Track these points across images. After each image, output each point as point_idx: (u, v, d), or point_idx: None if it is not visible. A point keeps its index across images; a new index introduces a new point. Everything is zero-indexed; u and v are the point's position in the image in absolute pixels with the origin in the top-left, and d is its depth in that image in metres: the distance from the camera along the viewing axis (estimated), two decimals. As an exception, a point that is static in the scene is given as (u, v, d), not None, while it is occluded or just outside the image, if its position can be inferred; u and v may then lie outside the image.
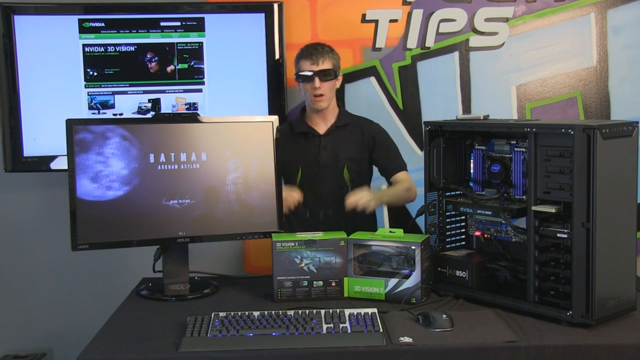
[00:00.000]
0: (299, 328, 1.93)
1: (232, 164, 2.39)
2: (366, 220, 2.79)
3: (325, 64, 2.72)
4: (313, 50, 2.74)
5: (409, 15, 3.32)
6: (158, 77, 3.19)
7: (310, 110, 2.84)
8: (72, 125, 2.26)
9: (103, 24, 3.15)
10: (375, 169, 2.94)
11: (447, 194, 2.37)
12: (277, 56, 3.22)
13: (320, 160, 2.80)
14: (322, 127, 2.84)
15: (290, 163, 2.78)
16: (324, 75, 2.72)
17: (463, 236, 2.44)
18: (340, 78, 2.83)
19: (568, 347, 1.86)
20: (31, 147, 3.13)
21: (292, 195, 2.62)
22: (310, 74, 2.71)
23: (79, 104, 3.15)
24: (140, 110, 3.18)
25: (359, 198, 2.57)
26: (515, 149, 2.18)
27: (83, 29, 3.14)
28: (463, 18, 3.32)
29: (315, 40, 2.99)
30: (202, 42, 3.20)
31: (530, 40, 3.34)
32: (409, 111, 3.37)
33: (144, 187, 2.30)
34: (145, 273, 2.58)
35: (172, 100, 3.20)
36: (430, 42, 3.33)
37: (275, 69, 3.23)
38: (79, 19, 3.13)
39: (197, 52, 3.20)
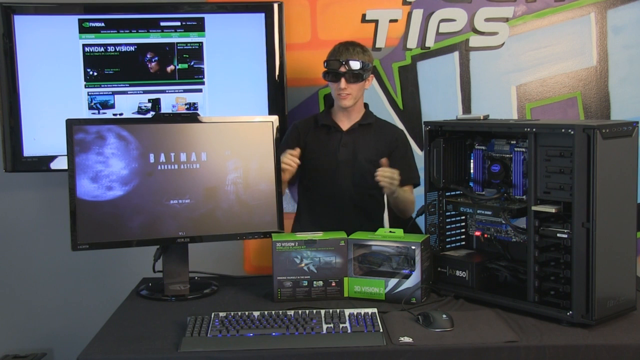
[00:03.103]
0: (299, 328, 1.93)
1: (232, 164, 2.39)
2: (374, 221, 2.84)
3: (354, 66, 2.70)
4: (343, 50, 2.74)
5: (409, 15, 3.32)
6: (158, 77, 3.19)
7: (336, 106, 2.84)
8: (72, 125, 2.26)
9: (103, 24, 3.15)
10: None
11: (447, 194, 2.37)
12: (277, 56, 3.22)
13: (338, 156, 2.81)
14: (345, 124, 2.84)
15: (309, 155, 2.81)
16: (350, 77, 2.70)
17: (463, 236, 2.44)
18: (370, 79, 2.81)
19: (568, 347, 1.86)
20: (31, 147, 3.13)
21: (289, 155, 2.61)
22: (337, 73, 2.71)
23: (79, 104, 3.15)
24: (140, 110, 3.18)
25: (391, 174, 2.56)
26: (515, 149, 2.18)
27: (83, 29, 3.14)
28: (463, 18, 3.32)
29: (316, 41, 2.99)
30: (202, 42, 3.20)
31: (530, 40, 3.34)
32: (409, 111, 3.37)
33: (144, 187, 2.30)
34: (145, 273, 2.58)
35: (172, 100, 3.20)
36: (430, 42, 3.33)
37: (275, 69, 3.22)
38: (79, 19, 3.13)
39: (197, 52, 3.20)
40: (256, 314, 2.03)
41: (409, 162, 2.87)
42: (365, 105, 2.88)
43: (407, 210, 2.84)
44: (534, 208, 2.06)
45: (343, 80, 2.70)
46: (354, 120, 2.84)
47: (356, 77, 2.71)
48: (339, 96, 2.74)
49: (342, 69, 2.71)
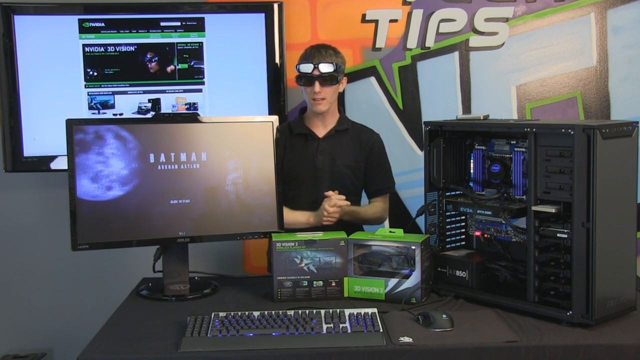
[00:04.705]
0: (299, 328, 1.93)
1: (232, 164, 2.39)
2: (354, 227, 2.76)
3: (327, 68, 2.65)
4: (315, 53, 2.69)
5: (409, 15, 3.32)
6: (158, 77, 3.19)
7: (310, 112, 2.79)
8: (72, 125, 2.26)
9: (103, 24, 3.15)
10: None
11: (447, 194, 2.37)
12: (277, 56, 3.22)
13: (317, 163, 2.77)
14: (321, 131, 2.80)
15: (286, 164, 2.76)
16: (324, 80, 2.66)
17: (463, 236, 2.44)
18: (343, 82, 2.77)
19: (568, 347, 1.86)
20: (31, 147, 3.14)
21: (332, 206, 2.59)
22: (310, 77, 2.66)
23: (79, 104, 3.16)
24: (140, 110, 3.18)
25: (335, 204, 2.56)
26: (515, 149, 2.18)
27: (83, 29, 3.14)
28: (463, 18, 3.32)
29: (316, 41, 2.98)
30: (202, 42, 3.20)
31: (530, 40, 3.34)
32: (409, 111, 3.38)
33: (144, 187, 2.30)
34: (145, 273, 2.58)
35: (172, 100, 3.21)
36: (430, 42, 3.33)
37: (275, 69, 3.23)
38: (79, 19, 3.14)
39: (197, 52, 3.20)
40: (256, 314, 2.03)
41: (384, 170, 2.86)
42: (340, 110, 2.84)
43: (374, 222, 2.84)
44: (534, 208, 2.06)
45: (317, 83, 2.65)
46: (330, 125, 2.80)
47: (330, 79, 2.66)
48: (314, 101, 2.69)
49: (315, 72, 2.65)
